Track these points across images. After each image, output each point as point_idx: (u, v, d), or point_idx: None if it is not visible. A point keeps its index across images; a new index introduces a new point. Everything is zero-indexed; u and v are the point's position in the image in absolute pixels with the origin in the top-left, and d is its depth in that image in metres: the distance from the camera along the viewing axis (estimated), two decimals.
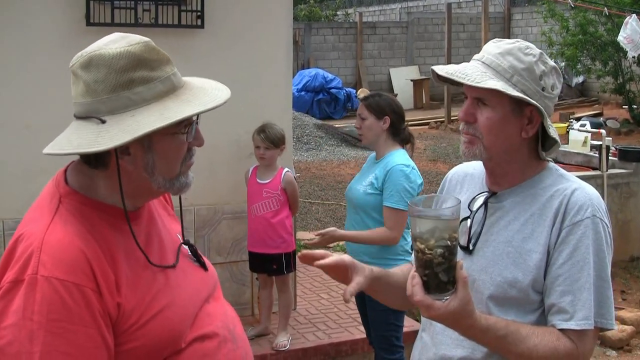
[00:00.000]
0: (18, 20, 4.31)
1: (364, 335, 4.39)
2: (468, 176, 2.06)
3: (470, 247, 1.90)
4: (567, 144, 7.58)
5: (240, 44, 4.85)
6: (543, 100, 1.84)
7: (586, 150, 7.36)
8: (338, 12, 25.71)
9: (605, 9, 13.38)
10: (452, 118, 16.30)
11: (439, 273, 1.59)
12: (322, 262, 1.79)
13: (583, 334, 1.75)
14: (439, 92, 18.85)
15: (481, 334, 1.71)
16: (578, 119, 12.03)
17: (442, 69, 1.87)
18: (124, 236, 1.58)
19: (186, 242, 1.78)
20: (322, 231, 3.84)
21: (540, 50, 1.88)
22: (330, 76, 18.49)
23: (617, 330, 5.34)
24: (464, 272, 1.63)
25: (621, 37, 11.69)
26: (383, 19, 24.71)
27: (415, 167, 3.79)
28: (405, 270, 1.99)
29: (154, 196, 1.72)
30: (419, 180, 3.75)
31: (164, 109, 1.54)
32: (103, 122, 1.52)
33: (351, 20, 23.88)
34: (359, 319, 4.83)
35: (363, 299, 3.87)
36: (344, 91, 18.45)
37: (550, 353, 1.73)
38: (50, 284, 1.44)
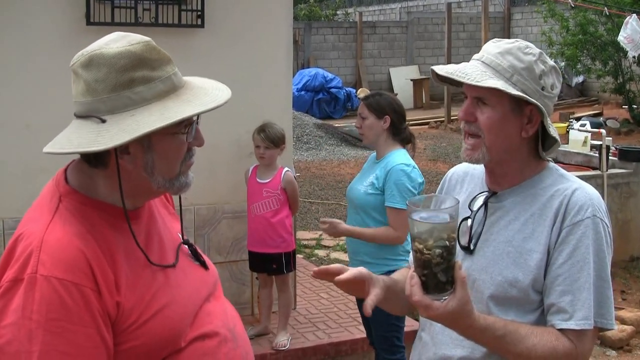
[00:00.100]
0: (18, 20, 4.31)
1: (364, 335, 4.39)
2: (468, 176, 2.06)
3: (471, 247, 1.90)
4: (567, 143, 7.58)
5: (240, 44, 4.85)
6: (543, 99, 1.84)
7: (586, 150, 7.36)
8: (338, 12, 25.70)
9: (606, 8, 13.39)
10: (452, 118, 16.30)
11: (438, 273, 1.59)
12: (341, 277, 1.78)
13: (582, 334, 1.75)
14: (439, 92, 18.85)
15: (480, 334, 1.71)
16: (578, 119, 12.04)
17: (442, 69, 1.88)
18: (123, 235, 1.58)
19: (186, 242, 1.78)
20: (327, 219, 3.83)
21: (539, 50, 1.88)
22: (330, 76, 18.50)
23: (617, 330, 5.34)
24: (463, 272, 1.63)
25: (621, 37, 11.70)
26: (383, 19, 24.71)
27: (416, 166, 3.78)
28: (406, 274, 1.99)
29: (154, 196, 1.72)
30: (420, 180, 3.73)
31: (164, 108, 1.54)
32: (103, 121, 1.52)
33: (351, 20, 23.88)
34: (359, 319, 4.84)
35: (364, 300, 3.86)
36: (344, 91, 18.46)
37: (549, 353, 1.73)
38: (50, 283, 1.44)
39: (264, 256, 4.57)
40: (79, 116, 1.57)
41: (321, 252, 7.53)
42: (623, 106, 16.31)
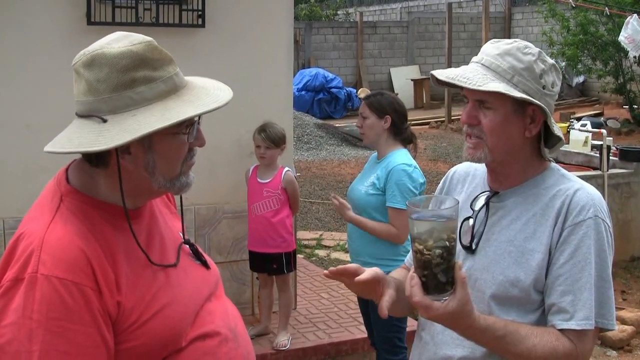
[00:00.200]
0: (18, 20, 4.30)
1: (364, 335, 4.38)
2: (470, 175, 2.06)
3: (473, 247, 1.90)
4: (568, 143, 7.57)
5: (241, 44, 4.85)
6: (544, 98, 1.84)
7: (587, 150, 7.36)
8: (339, 12, 25.69)
9: (606, 8, 13.38)
10: (452, 118, 16.30)
11: (438, 274, 1.59)
12: (361, 278, 1.76)
13: (583, 334, 1.75)
14: (440, 92, 18.83)
15: (480, 334, 1.71)
16: (579, 119, 12.04)
17: (442, 74, 1.87)
18: (124, 235, 1.58)
19: (186, 242, 1.78)
20: (340, 199, 3.81)
21: (538, 49, 1.88)
22: (330, 76, 18.48)
23: (617, 331, 5.34)
24: (463, 272, 1.63)
25: (622, 37, 11.69)
26: (384, 19, 24.71)
27: (418, 166, 3.76)
28: (403, 274, 1.99)
29: (155, 196, 1.72)
30: (422, 180, 3.72)
31: (165, 109, 1.54)
32: (104, 121, 1.52)
33: (352, 20, 23.87)
34: (359, 319, 4.83)
35: (366, 301, 3.85)
36: (345, 91, 18.45)
37: (549, 353, 1.73)
38: (50, 282, 1.44)
39: (265, 256, 4.57)
40: (80, 115, 1.57)
41: (321, 252, 7.52)
42: (624, 106, 16.30)
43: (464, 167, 2.11)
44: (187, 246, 1.78)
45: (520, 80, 1.82)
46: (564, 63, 16.21)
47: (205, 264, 1.78)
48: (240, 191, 4.78)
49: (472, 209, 1.94)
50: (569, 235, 1.79)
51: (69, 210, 1.56)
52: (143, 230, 1.65)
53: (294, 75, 17.19)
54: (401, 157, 3.74)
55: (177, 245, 1.74)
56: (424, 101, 19.79)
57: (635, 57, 12.66)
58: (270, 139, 4.49)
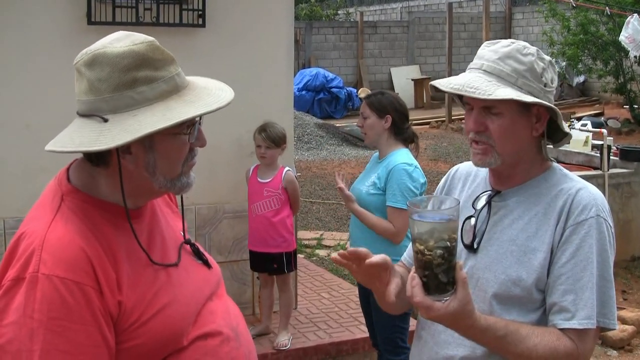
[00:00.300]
0: (18, 20, 4.30)
1: (365, 335, 4.38)
2: (472, 174, 2.06)
3: (475, 246, 1.90)
4: (569, 143, 7.57)
5: (241, 43, 4.85)
6: (546, 95, 1.85)
7: (587, 149, 7.35)
8: (339, 12, 25.70)
9: (607, 8, 13.38)
10: (452, 117, 16.30)
11: (439, 274, 1.59)
12: (372, 260, 1.74)
13: (584, 334, 1.75)
14: (440, 92, 18.83)
15: (481, 334, 1.71)
16: (579, 119, 12.04)
17: (447, 85, 1.85)
18: (125, 234, 1.58)
19: (187, 242, 1.78)
20: (346, 190, 3.78)
21: (535, 48, 1.88)
22: (331, 75, 18.49)
23: (618, 330, 5.33)
24: (464, 272, 1.63)
25: (622, 37, 11.70)
26: (384, 19, 24.71)
27: (419, 165, 3.74)
28: (402, 272, 1.98)
29: (156, 196, 1.71)
30: (422, 180, 3.69)
31: (166, 109, 1.54)
32: (105, 120, 1.52)
33: (352, 20, 23.88)
34: (360, 319, 4.83)
35: (368, 301, 3.84)
36: (345, 90, 18.45)
37: (550, 353, 1.73)
38: (51, 282, 1.44)
39: (265, 256, 4.57)
40: (82, 115, 1.57)
41: (322, 252, 7.52)
42: (624, 106, 16.31)
43: (465, 167, 2.10)
44: (189, 246, 1.78)
45: (525, 82, 1.82)
46: (564, 63, 16.21)
47: (206, 263, 1.78)
48: (240, 191, 4.77)
49: (474, 208, 1.94)
50: (571, 235, 1.79)
51: (70, 209, 1.56)
52: (144, 230, 1.65)
53: (295, 75, 17.20)
54: (402, 156, 3.73)
55: (178, 244, 1.74)
56: (425, 101, 19.80)
57: (635, 56, 12.68)
58: (270, 139, 4.48)
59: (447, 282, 1.61)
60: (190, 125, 1.60)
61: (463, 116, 2.02)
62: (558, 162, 2.03)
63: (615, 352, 5.36)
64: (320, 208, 9.39)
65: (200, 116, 1.59)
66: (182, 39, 4.60)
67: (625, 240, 6.95)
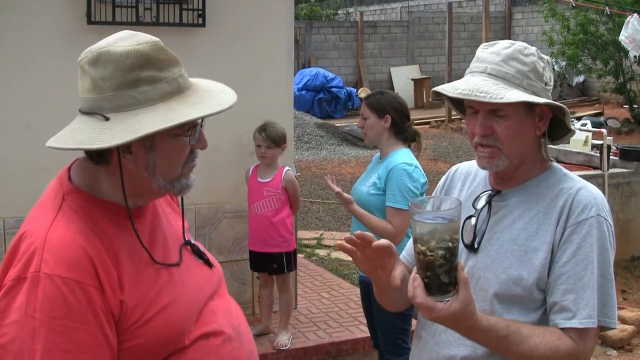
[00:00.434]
0: (18, 20, 4.30)
1: (365, 335, 4.38)
2: (471, 174, 2.06)
3: (475, 245, 1.90)
4: (568, 143, 7.57)
5: (241, 43, 4.85)
6: (547, 93, 1.86)
7: (587, 149, 7.35)
8: (339, 11, 25.70)
9: (607, 8, 13.38)
10: (452, 117, 16.30)
11: (441, 275, 1.59)
12: (379, 243, 1.74)
13: (585, 333, 1.75)
14: (440, 99, 18.82)
15: (482, 335, 1.71)
16: (579, 119, 12.02)
17: (453, 91, 1.83)
18: (127, 234, 1.59)
19: (187, 242, 1.78)
20: (345, 195, 3.77)
21: (534, 47, 1.89)
22: (331, 75, 18.49)
23: (618, 330, 5.33)
24: (465, 273, 1.63)
25: (622, 37, 11.70)
26: (384, 18, 24.71)
27: (419, 165, 3.71)
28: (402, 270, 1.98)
29: (156, 196, 1.71)
30: (423, 180, 3.67)
31: (167, 110, 1.54)
32: (107, 119, 1.52)
33: (352, 20, 23.88)
34: (360, 318, 4.83)
35: (369, 301, 3.83)
36: (345, 90, 18.45)
37: (551, 352, 1.73)
38: (53, 281, 1.44)
39: (265, 255, 4.57)
40: (84, 112, 1.57)
41: (322, 252, 7.53)
42: (624, 106, 16.31)
43: (465, 166, 2.10)
44: (189, 246, 1.78)
45: (529, 82, 1.83)
46: (564, 63, 16.21)
47: (208, 263, 1.78)
48: (240, 191, 4.77)
49: (474, 207, 1.94)
50: (571, 234, 1.79)
51: (71, 209, 1.56)
52: (146, 229, 1.65)
53: (294, 75, 17.20)
54: (402, 156, 3.70)
55: (180, 244, 1.74)
56: (424, 101, 19.79)
57: (635, 56, 12.67)
58: (270, 139, 4.48)
59: (449, 282, 1.61)
60: (191, 127, 1.60)
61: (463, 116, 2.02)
62: (558, 161, 2.03)
63: (615, 351, 5.36)
64: (320, 208, 9.39)
65: (202, 118, 1.59)
66: (182, 38, 4.60)
67: (625, 240, 6.95)
